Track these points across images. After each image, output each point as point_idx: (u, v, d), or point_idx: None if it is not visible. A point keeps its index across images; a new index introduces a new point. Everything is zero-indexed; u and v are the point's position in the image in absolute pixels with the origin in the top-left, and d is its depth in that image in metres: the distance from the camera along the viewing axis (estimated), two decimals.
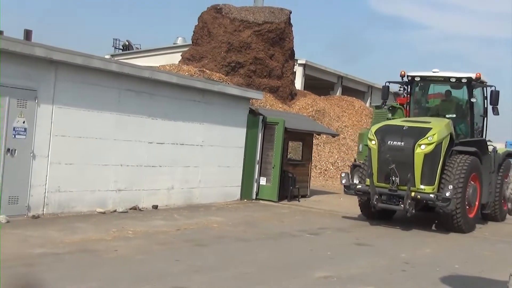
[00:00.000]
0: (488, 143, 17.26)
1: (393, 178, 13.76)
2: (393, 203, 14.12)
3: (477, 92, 16.17)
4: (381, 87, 18.92)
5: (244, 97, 18.12)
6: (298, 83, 35.35)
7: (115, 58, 36.40)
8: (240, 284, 8.38)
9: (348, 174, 15.65)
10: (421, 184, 13.89)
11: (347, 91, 43.50)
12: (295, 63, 32.55)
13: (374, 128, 14.81)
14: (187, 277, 8.37)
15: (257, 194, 18.23)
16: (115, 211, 13.70)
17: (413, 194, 13.70)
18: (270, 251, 11.12)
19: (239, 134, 17.83)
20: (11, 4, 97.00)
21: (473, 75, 15.24)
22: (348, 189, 15.20)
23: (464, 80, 15.39)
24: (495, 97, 15.44)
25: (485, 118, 16.64)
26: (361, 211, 15.83)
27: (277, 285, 8.49)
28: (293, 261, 10.38)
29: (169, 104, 15.31)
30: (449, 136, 14.53)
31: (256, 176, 18.20)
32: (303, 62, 36.81)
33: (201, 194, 16.56)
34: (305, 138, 20.12)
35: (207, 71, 24.93)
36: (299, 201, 18.70)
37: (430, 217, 15.68)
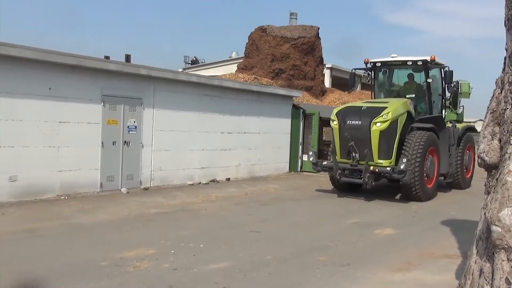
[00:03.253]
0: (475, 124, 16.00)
1: (353, 154, 12.25)
2: (355, 177, 12.44)
3: (436, 73, 14.26)
4: None
5: (288, 95, 18.24)
6: (327, 82, 35.35)
7: (186, 71, 37.17)
8: (294, 228, 8.93)
9: (315, 152, 13.89)
10: (379, 159, 12.22)
11: (365, 86, 43.10)
12: (324, 67, 32.58)
13: (336, 110, 13.18)
14: (257, 225, 9.01)
15: (301, 167, 18.35)
16: (200, 183, 14.29)
17: (371, 168, 12.05)
18: (314, 207, 11.54)
19: (285, 123, 18.05)
20: (111, 34, 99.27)
21: (428, 58, 13.37)
22: (316, 165, 13.45)
23: (419, 63, 13.55)
24: (449, 77, 13.61)
25: (443, 97, 14.68)
26: (332, 184, 13.90)
27: (320, 229, 9.02)
28: (330, 213, 10.80)
29: (234, 104, 15.67)
30: (405, 114, 12.75)
31: (300, 154, 18.37)
32: (330, 66, 36.74)
33: (260, 168, 16.89)
34: None
35: (258, 77, 25.31)
36: None
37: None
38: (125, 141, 12.32)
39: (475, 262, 4.81)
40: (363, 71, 14.95)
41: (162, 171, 13.36)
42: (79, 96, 11.31)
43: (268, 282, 5.86)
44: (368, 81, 15.22)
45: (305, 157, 18.17)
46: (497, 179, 4.47)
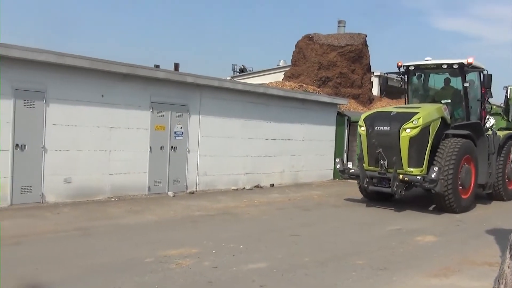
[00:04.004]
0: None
1: (382, 162, 11.64)
2: (383, 186, 11.78)
3: (474, 77, 13.32)
4: None
5: (333, 103, 18.24)
6: (375, 90, 35.09)
7: (234, 79, 37.76)
8: (334, 233, 9.07)
9: (342, 159, 13.39)
10: (409, 167, 11.53)
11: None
12: (372, 75, 32.33)
13: (364, 115, 12.62)
14: (298, 229, 9.15)
15: None
16: (244, 188, 14.56)
17: (401, 176, 11.40)
18: (355, 213, 11.51)
19: (330, 130, 18.05)
20: (163, 43, 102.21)
21: (464, 61, 12.45)
22: (343, 173, 12.91)
23: (455, 66, 12.65)
24: (487, 81, 12.77)
25: (482, 102, 13.56)
26: (360, 193, 13.26)
27: (360, 234, 9.10)
28: (371, 219, 10.79)
29: (278, 111, 15.86)
30: (439, 120, 12.04)
31: (344, 161, 18.51)
32: (379, 73, 36.48)
33: (304, 175, 16.93)
34: None
35: (304, 85, 25.43)
36: None
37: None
38: (172, 146, 12.80)
39: (508, 267, 4.81)
40: (395, 76, 14.31)
41: (207, 176, 13.75)
42: (129, 102, 11.89)
43: (304, 283, 6.03)
44: (401, 86, 14.42)
45: (349, 164, 18.02)
46: None
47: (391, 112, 12.23)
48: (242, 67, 49.40)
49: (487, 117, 15.38)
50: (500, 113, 15.83)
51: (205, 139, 13.65)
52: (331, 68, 27.99)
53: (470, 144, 12.32)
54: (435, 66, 13.16)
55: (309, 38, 29.12)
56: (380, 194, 12.63)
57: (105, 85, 11.41)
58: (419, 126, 11.45)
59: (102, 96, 11.37)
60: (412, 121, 11.48)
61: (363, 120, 12.35)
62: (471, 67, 12.73)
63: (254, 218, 10.19)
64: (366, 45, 29.73)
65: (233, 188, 14.34)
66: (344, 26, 34.95)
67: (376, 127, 11.94)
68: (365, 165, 12.09)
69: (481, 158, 12.82)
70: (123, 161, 11.82)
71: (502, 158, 13.84)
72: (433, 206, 12.18)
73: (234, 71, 50.15)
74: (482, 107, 13.69)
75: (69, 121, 10.83)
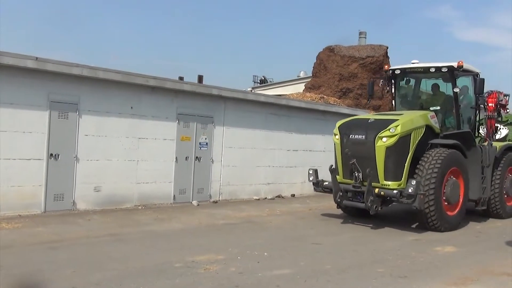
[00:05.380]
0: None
1: (356, 174, 10.44)
2: (358, 200, 10.56)
3: (468, 83, 12.06)
4: None
5: (353, 114, 17.99)
6: None
7: (255, 90, 38.12)
8: (355, 242, 9.30)
9: (315, 171, 11.88)
10: (385, 180, 10.30)
11: None
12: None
13: (339, 122, 11.50)
14: (320, 238, 9.46)
15: None
16: (266, 198, 14.87)
17: (376, 190, 10.21)
18: (377, 223, 11.32)
19: None
20: (188, 56, 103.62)
21: (454, 64, 11.24)
22: (316, 186, 11.72)
23: (444, 70, 11.42)
24: (479, 86, 11.38)
25: (477, 110, 12.41)
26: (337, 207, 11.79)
27: (381, 243, 9.31)
28: (392, 229, 10.82)
29: (300, 122, 16.12)
30: (423, 128, 10.83)
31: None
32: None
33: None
34: None
35: (325, 96, 25.65)
36: None
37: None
38: (196, 157, 13.22)
39: None
40: (381, 80, 13.29)
41: (230, 185, 14.10)
42: (156, 114, 12.36)
43: None
44: (387, 92, 13.27)
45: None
46: None
47: (369, 119, 11.23)
48: (263, 78, 49.75)
49: (499, 127, 14.82)
50: None
51: (229, 150, 14.03)
52: (352, 79, 28.16)
53: (458, 155, 11.06)
54: (422, 69, 12.00)
55: (330, 49, 29.38)
56: (360, 209, 11.16)
57: (134, 97, 11.91)
58: (396, 134, 10.28)
59: (131, 108, 11.86)
60: (389, 129, 10.36)
61: (338, 127, 11.34)
62: (462, 71, 11.52)
63: (276, 227, 10.49)
64: (387, 57, 29.83)
65: (255, 197, 14.65)
66: (365, 38, 35.11)
67: (350, 136, 10.90)
68: (340, 178, 11.07)
69: (473, 171, 11.57)
70: (150, 171, 12.26)
71: (499, 172, 12.48)
72: (417, 224, 11.02)
73: (254, 82, 50.49)
74: (477, 115, 12.63)
75: (100, 132, 11.32)
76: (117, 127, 11.64)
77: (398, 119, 10.56)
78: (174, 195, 12.76)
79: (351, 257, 8.12)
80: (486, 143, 12.73)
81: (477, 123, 12.82)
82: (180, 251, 7.82)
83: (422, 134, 10.81)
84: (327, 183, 11.43)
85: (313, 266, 7.34)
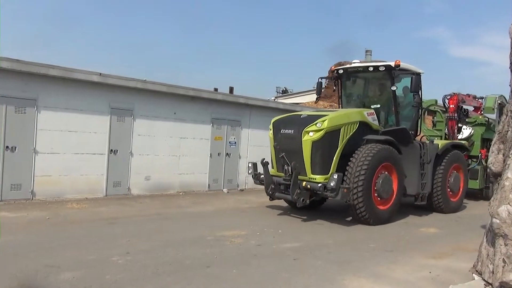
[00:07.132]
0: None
1: (285, 167, 9.28)
2: (288, 193, 9.36)
3: (408, 82, 10.30)
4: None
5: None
6: None
7: (277, 99, 38.24)
8: (353, 222, 9.31)
9: (254, 164, 10.67)
10: (312, 173, 9.11)
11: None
12: None
13: (275, 119, 10.32)
14: (323, 219, 9.63)
15: None
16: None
17: (304, 183, 9.05)
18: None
19: None
20: (222, 70, 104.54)
21: (392, 63, 10.06)
22: (254, 178, 10.45)
23: (381, 69, 10.20)
24: (414, 84, 9.93)
25: (419, 108, 11.08)
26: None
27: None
28: (404, 218, 10.22)
29: None
30: (356, 124, 9.57)
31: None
32: None
33: None
34: None
35: (335, 104, 25.58)
36: None
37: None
38: (227, 153, 13.55)
39: (484, 248, 5.23)
40: (327, 80, 12.14)
41: None
42: (195, 118, 12.76)
43: (327, 257, 6.57)
44: (333, 91, 12.11)
45: None
46: (498, 183, 4.90)
47: (301, 115, 10.01)
48: (284, 89, 49.89)
49: (463, 127, 14.13)
50: (484, 123, 14.67)
51: (253, 148, 14.30)
52: None
53: (391, 150, 9.70)
54: (361, 69, 10.79)
55: (339, 65, 29.24)
56: (313, 202, 10.00)
57: (177, 104, 12.33)
58: (323, 129, 9.06)
59: (175, 113, 12.29)
60: (315, 124, 9.15)
61: (272, 123, 10.24)
62: (399, 70, 10.24)
63: (289, 210, 10.70)
64: None
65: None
66: (371, 55, 34.90)
67: (282, 130, 9.79)
68: (274, 171, 10.09)
69: (410, 167, 10.36)
70: (189, 164, 12.67)
71: (442, 169, 11.24)
72: (350, 217, 9.66)
73: (277, 92, 50.65)
74: (419, 113, 11.33)
75: (149, 132, 11.79)
76: (163, 128, 12.08)
77: (327, 115, 9.32)
78: (208, 184, 13.12)
79: (349, 234, 8.34)
80: (427, 140, 11.67)
81: (419, 121, 11.34)
82: (211, 228, 8.14)
83: (354, 130, 9.59)
84: (263, 176, 10.02)
85: (317, 240, 7.59)
